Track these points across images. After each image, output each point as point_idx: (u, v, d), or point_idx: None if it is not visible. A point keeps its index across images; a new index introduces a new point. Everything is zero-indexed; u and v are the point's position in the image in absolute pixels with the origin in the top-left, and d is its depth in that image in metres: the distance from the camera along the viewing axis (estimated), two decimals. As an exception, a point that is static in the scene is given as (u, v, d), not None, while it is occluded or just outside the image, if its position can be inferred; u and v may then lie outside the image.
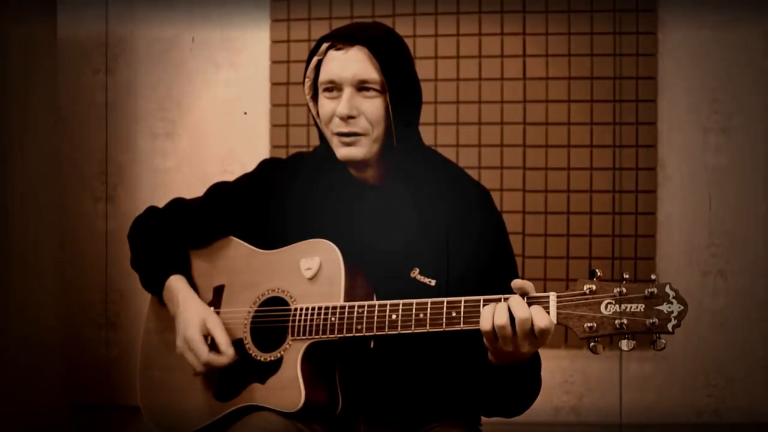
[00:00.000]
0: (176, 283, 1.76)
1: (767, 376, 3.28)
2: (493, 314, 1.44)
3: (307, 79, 1.71)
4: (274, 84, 3.45)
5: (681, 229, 3.31)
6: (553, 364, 3.27)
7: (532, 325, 1.42)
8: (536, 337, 1.43)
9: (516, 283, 1.46)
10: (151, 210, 1.89)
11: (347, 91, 1.62)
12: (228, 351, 1.65)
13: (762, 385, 3.28)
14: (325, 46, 1.66)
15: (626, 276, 1.41)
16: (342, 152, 1.66)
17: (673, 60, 3.30)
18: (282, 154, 3.35)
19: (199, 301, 1.74)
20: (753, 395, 3.28)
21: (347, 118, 1.62)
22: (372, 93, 1.62)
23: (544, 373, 1.62)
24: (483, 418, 1.78)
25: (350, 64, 1.61)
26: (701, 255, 3.30)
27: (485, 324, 1.44)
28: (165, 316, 1.80)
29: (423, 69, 3.30)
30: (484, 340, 1.47)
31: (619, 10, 3.28)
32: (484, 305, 1.47)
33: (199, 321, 1.68)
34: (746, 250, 3.30)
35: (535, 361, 1.58)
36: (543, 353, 1.56)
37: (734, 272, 3.30)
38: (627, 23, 3.28)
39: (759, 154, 3.29)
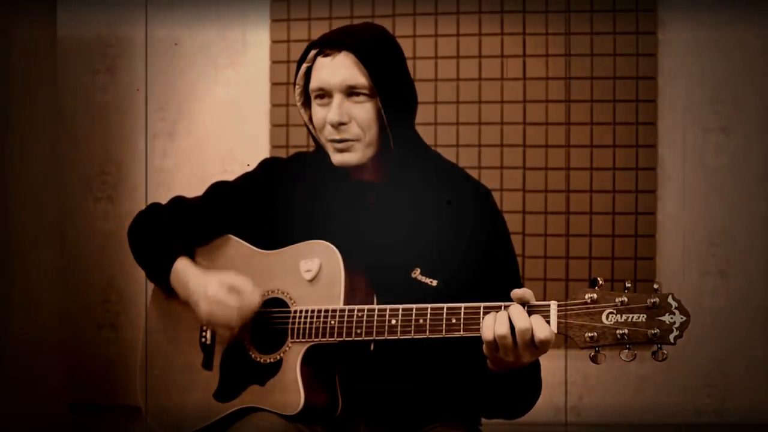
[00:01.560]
0: (185, 264, 1.74)
1: (767, 376, 3.28)
2: (494, 323, 1.44)
3: (297, 86, 1.71)
4: (274, 84, 3.45)
5: (681, 229, 3.31)
6: (553, 364, 3.26)
7: (533, 335, 1.42)
8: (537, 347, 1.43)
9: (516, 293, 1.45)
10: (154, 205, 1.89)
11: (337, 98, 1.62)
12: (256, 292, 1.63)
13: (762, 385, 3.27)
14: (313, 53, 1.66)
15: (628, 285, 1.41)
16: (337, 159, 1.66)
17: (673, 60, 3.29)
18: (282, 154, 3.34)
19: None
20: (753, 395, 3.28)
21: (338, 125, 1.62)
22: (362, 98, 1.62)
23: (544, 373, 1.62)
24: (483, 419, 1.78)
25: (338, 70, 1.61)
26: (701, 255, 3.30)
27: (487, 333, 1.44)
28: (167, 314, 1.80)
29: (423, 69, 3.31)
30: (485, 348, 1.47)
31: (619, 10, 3.27)
32: (484, 313, 1.46)
33: (216, 280, 1.66)
34: (746, 250, 3.29)
35: (535, 365, 1.58)
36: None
37: (734, 272, 3.29)
38: (627, 23, 3.27)
39: (759, 154, 3.28)
